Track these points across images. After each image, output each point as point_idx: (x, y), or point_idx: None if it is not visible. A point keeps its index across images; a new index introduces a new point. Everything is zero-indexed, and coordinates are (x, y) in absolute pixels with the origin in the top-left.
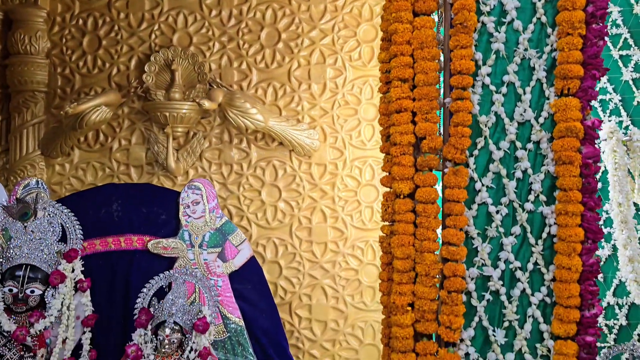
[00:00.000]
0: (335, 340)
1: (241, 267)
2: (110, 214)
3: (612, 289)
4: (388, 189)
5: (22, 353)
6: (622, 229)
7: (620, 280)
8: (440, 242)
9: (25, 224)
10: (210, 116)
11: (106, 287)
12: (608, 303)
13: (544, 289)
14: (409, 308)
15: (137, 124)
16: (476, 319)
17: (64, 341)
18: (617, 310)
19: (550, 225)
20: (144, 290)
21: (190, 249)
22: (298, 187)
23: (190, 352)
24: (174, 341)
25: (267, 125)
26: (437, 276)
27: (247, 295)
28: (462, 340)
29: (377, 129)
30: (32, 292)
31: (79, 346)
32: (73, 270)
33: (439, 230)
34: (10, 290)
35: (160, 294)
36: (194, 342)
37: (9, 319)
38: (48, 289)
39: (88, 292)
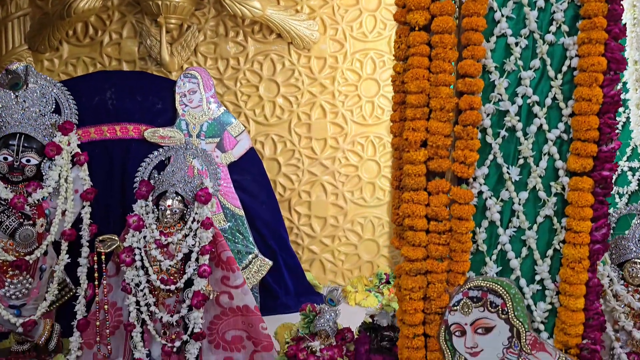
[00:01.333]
0: (334, 236)
1: (240, 158)
2: (104, 101)
3: (625, 155)
4: (402, 25)
5: (21, 220)
6: (637, 88)
7: (634, 145)
8: (456, 75)
9: (17, 94)
10: (204, 7)
11: (103, 176)
12: (621, 169)
13: (561, 125)
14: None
15: (128, 16)
16: (490, 156)
17: (63, 213)
18: (629, 177)
19: (571, 58)
20: (144, 163)
21: (187, 139)
22: (297, 82)
23: (192, 222)
24: (175, 211)
25: (264, 13)
26: (452, 112)
27: (247, 187)
28: (475, 178)
29: (380, 20)
30: (28, 161)
31: (78, 221)
32: (69, 144)
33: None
34: (5, 158)
35: (161, 167)
36: (196, 213)
37: (6, 187)
38: (44, 161)
39: (85, 166)
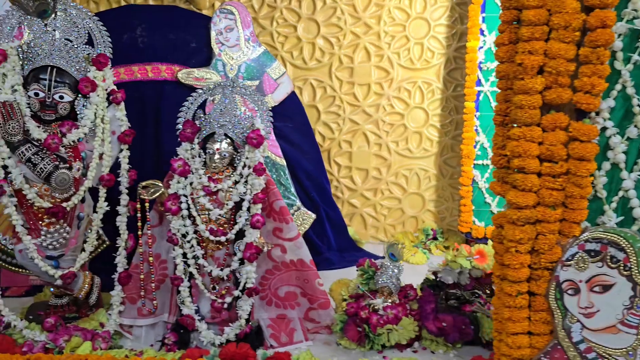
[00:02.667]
0: (377, 189)
1: (281, 103)
2: (134, 39)
3: None
4: None
5: (56, 163)
6: None
7: None
8: None
9: (45, 22)
10: None
11: (135, 120)
12: None
13: None
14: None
15: None
16: (618, 86)
17: (100, 156)
18: None
19: None
20: (187, 102)
21: (224, 81)
22: (339, 22)
23: (243, 168)
24: (225, 155)
25: None
26: (578, 31)
27: (288, 135)
28: (598, 112)
29: None
30: (62, 97)
31: (116, 166)
32: (104, 80)
33: None
34: (37, 94)
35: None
36: (247, 158)
37: (38, 126)
38: (78, 98)
39: (123, 105)
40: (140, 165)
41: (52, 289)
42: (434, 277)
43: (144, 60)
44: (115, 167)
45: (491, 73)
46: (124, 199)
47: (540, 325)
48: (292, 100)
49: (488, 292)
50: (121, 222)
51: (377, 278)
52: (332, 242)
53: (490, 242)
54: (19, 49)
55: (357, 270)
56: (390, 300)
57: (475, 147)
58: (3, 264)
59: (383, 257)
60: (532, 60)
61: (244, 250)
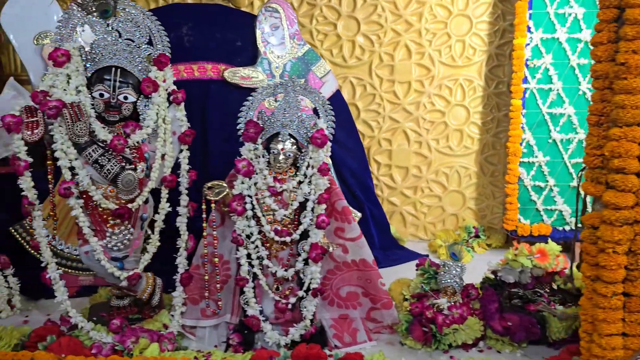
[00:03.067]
0: (416, 187)
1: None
2: (180, 38)
3: None
4: None
5: (122, 164)
6: None
7: None
8: None
9: (108, 22)
10: None
11: None
12: None
13: None
14: None
15: None
16: None
17: (162, 157)
18: None
19: None
20: (247, 102)
21: (270, 79)
22: (379, 19)
23: (307, 168)
24: (289, 155)
25: None
26: None
27: (334, 133)
28: None
29: None
30: (126, 98)
31: (175, 166)
32: (164, 81)
33: None
34: (101, 95)
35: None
36: (311, 158)
37: (103, 127)
38: (140, 99)
39: (182, 105)
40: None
41: (112, 290)
42: (493, 277)
43: (190, 60)
44: (174, 168)
45: (537, 70)
46: (184, 199)
47: (636, 327)
48: (336, 98)
49: (548, 291)
50: (181, 222)
51: (440, 278)
52: (375, 240)
53: (549, 240)
54: (81, 50)
55: (416, 270)
56: (453, 300)
57: (521, 144)
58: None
59: (427, 256)
60: (637, 59)
61: (310, 250)
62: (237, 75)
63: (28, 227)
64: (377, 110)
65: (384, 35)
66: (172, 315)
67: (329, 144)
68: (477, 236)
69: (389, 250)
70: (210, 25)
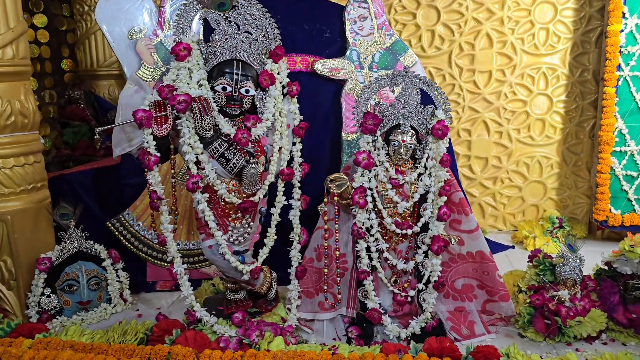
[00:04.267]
0: (496, 177)
1: None
2: None
3: None
4: None
5: (247, 157)
6: None
7: None
8: None
9: (226, 15)
10: None
11: None
12: None
13: None
14: None
15: None
16: None
17: (279, 150)
18: None
19: None
20: (364, 93)
21: (359, 71)
22: (460, 7)
23: (428, 160)
24: (410, 147)
25: None
26: None
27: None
28: None
29: None
30: (247, 91)
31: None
32: (278, 73)
33: None
34: (224, 88)
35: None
36: (430, 149)
37: (227, 121)
38: (258, 92)
39: (296, 98)
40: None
41: (227, 284)
42: (607, 268)
43: None
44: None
45: (631, 57)
46: (297, 192)
47: None
48: None
49: None
50: (294, 216)
51: (559, 269)
52: None
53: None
54: (200, 43)
55: (529, 262)
56: (573, 292)
57: (613, 133)
58: (149, 258)
59: (512, 247)
60: None
61: (432, 243)
62: (327, 66)
63: (124, 221)
64: (457, 100)
65: (465, 24)
66: (289, 309)
67: (449, 134)
68: (561, 227)
69: None
70: (298, 17)
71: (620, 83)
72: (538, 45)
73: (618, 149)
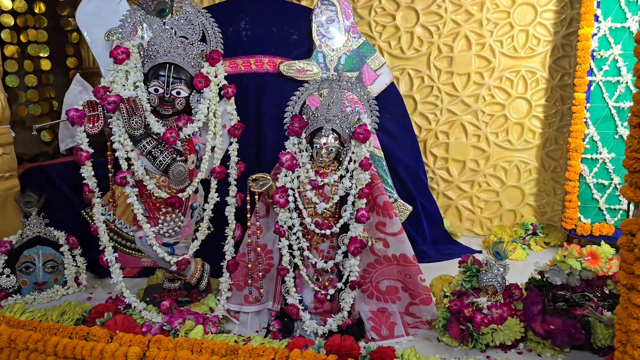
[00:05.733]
0: (473, 181)
1: (380, 94)
2: (238, 32)
3: None
4: None
5: (174, 156)
6: None
7: None
8: None
9: (164, 20)
10: None
11: (238, 112)
12: None
13: None
14: None
15: None
16: None
17: (212, 149)
18: None
19: None
20: (294, 97)
21: (325, 72)
22: (439, 9)
23: (349, 162)
24: (332, 150)
25: None
26: None
27: (386, 126)
28: None
29: None
30: (178, 93)
31: (225, 158)
32: (216, 76)
33: None
34: (156, 90)
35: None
36: (353, 153)
37: (157, 121)
38: (193, 94)
39: (233, 99)
40: (242, 157)
41: (165, 273)
42: (539, 277)
43: (248, 53)
44: (224, 159)
45: (605, 62)
46: (233, 190)
47: None
48: (391, 91)
49: (599, 295)
50: (230, 212)
51: (481, 276)
52: (427, 234)
53: (602, 243)
54: (140, 47)
55: (459, 267)
56: (494, 299)
57: (584, 140)
58: (118, 246)
59: (479, 252)
60: None
61: (349, 244)
62: (293, 68)
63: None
64: (435, 102)
65: (444, 26)
66: (218, 300)
67: (372, 138)
68: (534, 234)
69: (441, 244)
70: (267, 19)
71: (592, 88)
72: (517, 47)
73: (589, 156)
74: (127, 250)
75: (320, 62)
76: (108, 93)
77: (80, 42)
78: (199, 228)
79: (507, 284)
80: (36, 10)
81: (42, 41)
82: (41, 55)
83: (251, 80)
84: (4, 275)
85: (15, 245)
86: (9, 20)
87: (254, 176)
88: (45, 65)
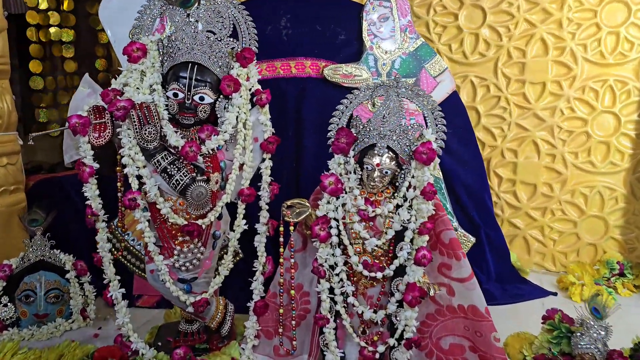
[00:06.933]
0: (546, 208)
1: (440, 105)
2: (277, 31)
3: None
4: None
5: (193, 174)
6: None
7: None
8: None
9: (188, 12)
10: None
11: (275, 123)
12: None
13: None
14: None
15: None
16: None
17: (240, 167)
18: None
19: None
20: (341, 106)
21: (376, 78)
22: (510, 8)
23: (408, 189)
24: (386, 172)
25: None
26: None
27: (447, 141)
28: None
29: None
30: (202, 99)
31: (255, 178)
32: (248, 79)
33: None
34: (175, 95)
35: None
36: (413, 177)
37: (175, 131)
38: (219, 100)
39: (267, 108)
40: (278, 175)
41: (182, 312)
42: None
43: (288, 55)
44: (254, 179)
45: None
46: (264, 216)
47: None
48: (452, 101)
49: None
50: (259, 242)
51: (576, 340)
52: (491, 270)
53: None
54: (160, 44)
55: (543, 324)
56: None
57: None
58: (136, 271)
59: (554, 294)
60: None
61: (405, 291)
62: (339, 72)
63: (114, 230)
64: (502, 115)
65: (515, 27)
66: (243, 349)
67: (437, 160)
68: (621, 274)
69: (508, 282)
70: (310, 16)
71: None
72: (605, 53)
73: None
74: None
75: (371, 66)
76: (118, 97)
77: (110, 43)
78: (223, 261)
79: (609, 350)
80: (63, 8)
81: (68, 41)
82: (65, 55)
83: (291, 86)
84: (1, 305)
85: (15, 270)
86: (32, 19)
87: (289, 202)
88: (70, 66)
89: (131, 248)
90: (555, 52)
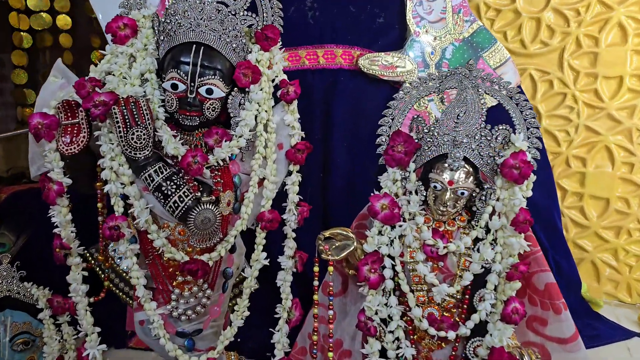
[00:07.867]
0: (621, 228)
1: None
2: (302, 13)
3: None
4: None
5: (197, 194)
6: None
7: None
8: None
9: None
10: None
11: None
12: None
13: None
14: None
15: None
16: None
17: (260, 182)
18: None
19: None
20: (394, 103)
21: (422, 70)
22: None
23: (492, 216)
24: (462, 193)
25: None
26: None
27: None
28: None
29: None
30: (210, 92)
31: (279, 196)
32: (270, 67)
33: None
34: (175, 86)
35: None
36: (499, 199)
37: (175, 135)
38: (232, 94)
39: (295, 104)
40: (301, 192)
41: None
42: None
43: (315, 42)
44: (277, 198)
45: None
46: (291, 247)
47: None
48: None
49: None
50: (284, 281)
51: None
52: None
53: None
54: (155, 20)
55: None
56: None
57: None
58: (129, 301)
59: (638, 334)
60: None
61: (489, 358)
62: (377, 63)
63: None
64: (568, 116)
65: (586, 11)
66: None
67: (533, 177)
68: None
69: (579, 318)
70: None
71: None
72: None
73: None
74: None
75: (417, 55)
76: (97, 90)
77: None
78: (236, 307)
79: None
80: None
81: (63, 29)
82: (58, 45)
83: (318, 79)
84: None
85: None
86: (16, 2)
87: (327, 233)
88: (64, 58)
89: (122, 273)
90: (636, 39)
